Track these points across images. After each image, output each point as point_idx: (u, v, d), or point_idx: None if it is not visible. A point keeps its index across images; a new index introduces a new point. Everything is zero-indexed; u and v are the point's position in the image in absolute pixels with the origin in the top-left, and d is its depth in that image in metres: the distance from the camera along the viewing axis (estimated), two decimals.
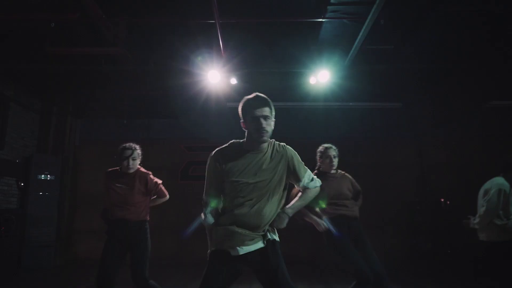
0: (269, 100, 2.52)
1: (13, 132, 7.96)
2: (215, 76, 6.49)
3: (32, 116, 8.62)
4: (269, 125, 2.48)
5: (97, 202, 9.24)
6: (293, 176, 2.60)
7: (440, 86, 8.17)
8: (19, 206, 8.01)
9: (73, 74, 7.59)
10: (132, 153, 3.88)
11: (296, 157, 2.63)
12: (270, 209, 2.45)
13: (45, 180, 8.18)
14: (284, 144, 2.68)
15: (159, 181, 4.01)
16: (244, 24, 5.85)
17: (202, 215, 2.52)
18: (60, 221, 8.49)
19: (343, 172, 4.16)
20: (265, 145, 2.55)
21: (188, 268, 5.71)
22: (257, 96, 2.54)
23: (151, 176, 4.00)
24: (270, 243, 2.42)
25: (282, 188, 2.54)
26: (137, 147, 3.99)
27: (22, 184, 8.12)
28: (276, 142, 2.64)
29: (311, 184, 2.64)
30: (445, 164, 8.71)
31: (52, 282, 5.39)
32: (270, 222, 2.46)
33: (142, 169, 4.02)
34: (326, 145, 4.15)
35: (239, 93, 7.37)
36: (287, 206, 2.56)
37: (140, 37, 6.23)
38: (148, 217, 3.96)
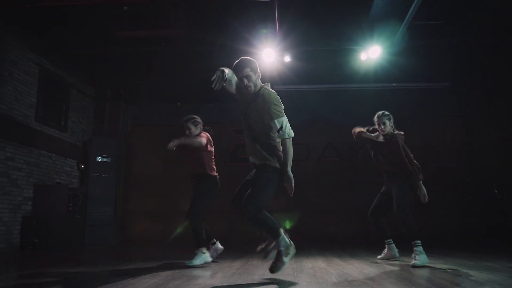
0: (247, 61, 3.32)
1: (73, 117, 8.80)
2: (270, 55, 7.06)
3: (88, 102, 9.45)
4: (250, 82, 3.28)
5: (148, 185, 10.04)
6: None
7: (490, 62, 8.43)
8: (80, 186, 8.83)
9: (130, 59, 8.29)
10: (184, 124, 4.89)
11: (270, 100, 3.25)
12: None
13: (102, 162, 8.94)
14: (268, 89, 3.36)
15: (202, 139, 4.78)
16: (298, 2, 6.38)
17: None
18: (117, 201, 9.24)
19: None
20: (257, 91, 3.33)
21: (240, 246, 6.32)
22: (238, 60, 3.35)
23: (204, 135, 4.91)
24: (261, 166, 3.30)
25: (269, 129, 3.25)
26: (190, 119, 4.91)
27: (83, 166, 8.95)
28: (264, 88, 3.36)
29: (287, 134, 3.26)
30: (496, 143, 8.96)
31: (113, 257, 6.10)
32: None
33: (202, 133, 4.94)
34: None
35: (291, 71, 7.93)
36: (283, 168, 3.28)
37: (197, 18, 6.85)
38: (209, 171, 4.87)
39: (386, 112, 4.81)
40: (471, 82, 9.17)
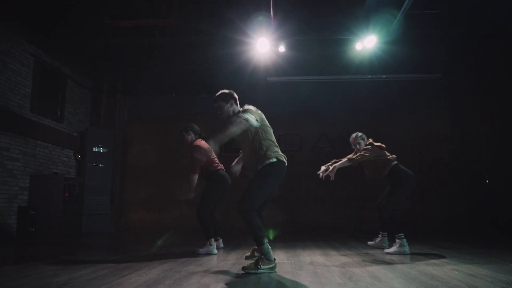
0: (221, 94, 3.70)
1: (70, 108, 8.33)
2: (264, 44, 6.61)
3: (84, 93, 8.97)
4: (221, 111, 3.68)
5: (144, 175, 9.63)
6: None
7: (482, 53, 8.05)
8: (77, 176, 8.39)
9: (125, 50, 7.85)
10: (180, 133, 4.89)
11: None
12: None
13: (99, 152, 8.52)
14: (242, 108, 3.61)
15: (194, 154, 4.61)
16: None
17: None
18: (113, 191, 8.84)
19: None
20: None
21: (231, 239, 6.00)
22: (216, 95, 3.71)
23: (193, 147, 4.70)
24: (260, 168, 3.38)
25: (250, 137, 3.45)
26: (183, 128, 4.90)
27: (79, 156, 8.50)
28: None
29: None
30: (485, 134, 8.62)
31: (109, 245, 5.73)
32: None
33: (195, 142, 4.78)
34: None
35: (286, 62, 7.49)
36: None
37: (191, 7, 6.41)
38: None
39: (360, 134, 4.97)
40: (462, 74, 8.78)
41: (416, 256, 4.10)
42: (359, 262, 3.70)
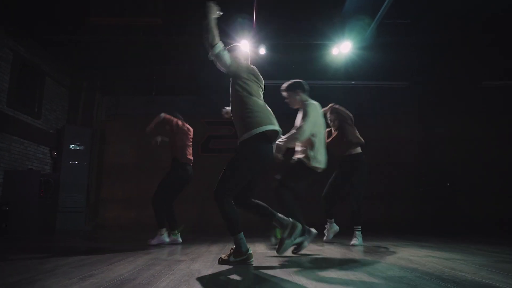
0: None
1: (47, 104, 8.10)
2: (245, 46, 6.65)
3: (63, 91, 8.74)
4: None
5: (121, 173, 9.44)
6: None
7: (443, 65, 8.46)
8: (52, 173, 8.14)
9: (107, 49, 7.69)
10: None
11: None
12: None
13: (75, 150, 8.30)
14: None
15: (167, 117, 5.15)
16: None
17: None
18: (89, 189, 8.63)
19: None
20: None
21: (211, 233, 5.99)
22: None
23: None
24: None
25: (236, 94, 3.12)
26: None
27: (55, 153, 8.25)
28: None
29: None
30: (448, 138, 9.03)
31: (82, 242, 5.59)
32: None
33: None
34: None
35: (266, 63, 7.57)
36: None
37: (176, 8, 6.38)
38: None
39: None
40: (427, 82, 9.15)
41: (390, 247, 4.22)
42: (338, 251, 3.78)
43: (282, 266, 2.86)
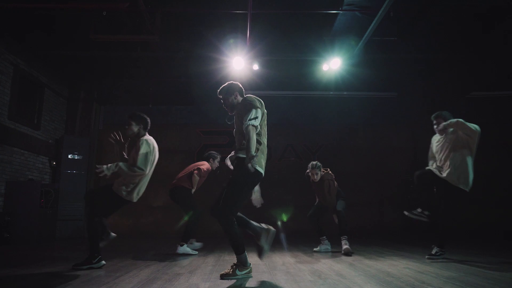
0: (220, 90, 3.65)
1: (46, 115, 8.36)
2: (239, 63, 6.98)
3: (61, 102, 9.00)
4: (226, 104, 3.63)
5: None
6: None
7: (431, 77, 8.84)
8: (52, 182, 8.40)
9: (105, 62, 7.98)
10: None
11: (244, 103, 3.46)
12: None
13: (74, 159, 8.56)
14: (244, 97, 3.57)
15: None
16: (267, 15, 6.35)
17: None
18: None
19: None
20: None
21: (208, 240, 6.29)
22: (219, 89, 3.66)
23: None
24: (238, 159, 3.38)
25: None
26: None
27: (54, 163, 8.52)
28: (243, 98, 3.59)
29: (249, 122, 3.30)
30: None
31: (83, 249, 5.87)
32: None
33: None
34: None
35: (259, 78, 7.90)
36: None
37: (172, 26, 6.69)
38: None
39: (319, 164, 5.51)
40: (415, 93, 9.53)
41: (375, 257, 4.55)
42: (325, 263, 4.11)
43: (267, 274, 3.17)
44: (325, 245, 5.45)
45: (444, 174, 4.43)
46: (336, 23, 6.49)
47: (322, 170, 5.53)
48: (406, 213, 4.74)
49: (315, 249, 5.46)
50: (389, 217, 9.22)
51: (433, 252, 4.35)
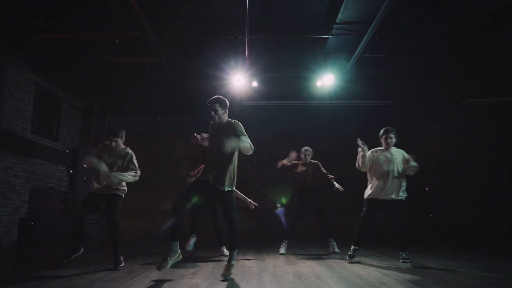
0: (217, 99, 3.94)
1: (64, 127, 9.12)
2: (239, 80, 7.66)
3: (77, 114, 9.76)
4: (217, 115, 3.92)
5: (130, 186, 10.35)
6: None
7: (425, 86, 9.38)
8: (69, 189, 9.17)
9: (118, 79, 8.75)
10: None
11: (239, 127, 3.90)
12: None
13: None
14: (236, 121, 3.98)
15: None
16: (264, 37, 7.00)
17: None
18: None
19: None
20: (224, 122, 3.98)
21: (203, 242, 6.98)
22: (211, 98, 3.97)
23: None
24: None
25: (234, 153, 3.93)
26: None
27: (72, 171, 9.28)
28: (232, 120, 3.98)
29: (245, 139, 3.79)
30: (429, 153, 9.96)
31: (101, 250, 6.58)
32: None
33: None
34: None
35: (258, 93, 8.57)
36: None
37: (179, 48, 7.38)
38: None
39: (311, 149, 6.63)
40: (409, 102, 10.08)
41: (356, 260, 5.16)
42: (309, 265, 4.76)
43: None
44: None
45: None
46: (328, 43, 7.10)
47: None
48: None
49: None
50: (381, 219, 9.76)
51: (404, 255, 4.99)
